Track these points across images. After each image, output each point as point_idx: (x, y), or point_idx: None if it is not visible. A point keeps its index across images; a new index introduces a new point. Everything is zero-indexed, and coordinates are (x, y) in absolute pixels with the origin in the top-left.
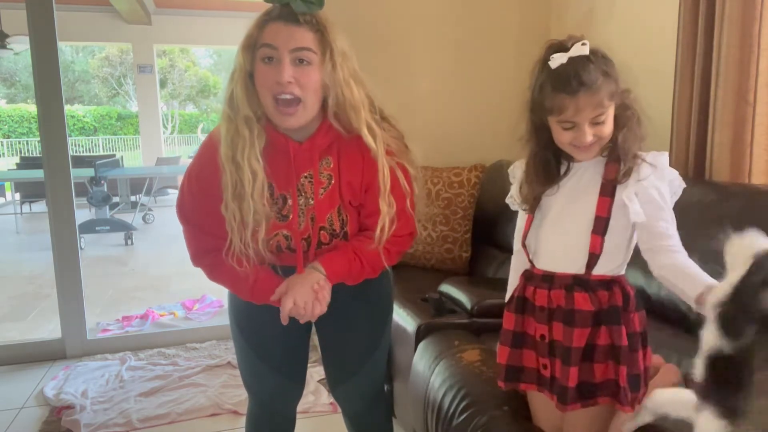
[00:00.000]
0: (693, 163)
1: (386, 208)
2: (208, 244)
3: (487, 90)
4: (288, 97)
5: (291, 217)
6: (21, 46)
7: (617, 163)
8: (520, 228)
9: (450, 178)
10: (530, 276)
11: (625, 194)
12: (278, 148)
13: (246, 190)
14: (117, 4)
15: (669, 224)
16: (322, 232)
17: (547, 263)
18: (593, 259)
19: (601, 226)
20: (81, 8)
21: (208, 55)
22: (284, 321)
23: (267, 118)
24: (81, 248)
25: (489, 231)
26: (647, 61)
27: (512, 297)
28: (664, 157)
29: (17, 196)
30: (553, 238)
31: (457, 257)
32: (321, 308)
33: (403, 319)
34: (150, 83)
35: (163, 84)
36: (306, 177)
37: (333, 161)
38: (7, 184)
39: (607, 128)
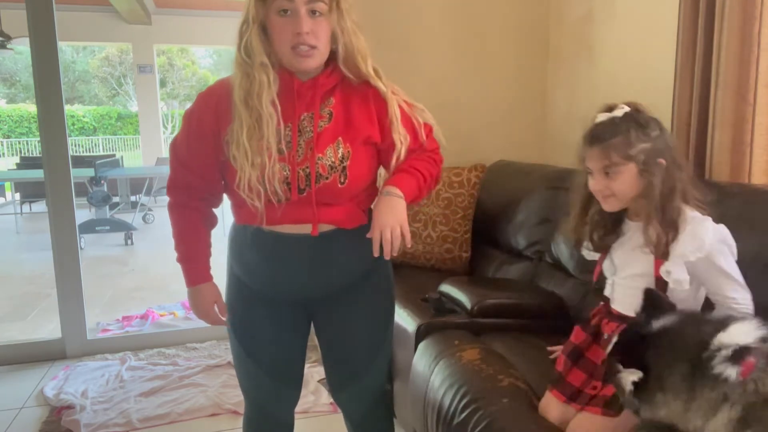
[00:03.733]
0: (693, 163)
1: (399, 138)
2: (187, 180)
3: (486, 90)
4: (305, 48)
5: (289, 150)
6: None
7: (654, 227)
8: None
9: (450, 178)
10: (608, 312)
11: (664, 267)
12: (284, 86)
13: (264, 132)
14: (117, 4)
15: (723, 283)
16: (320, 162)
17: (621, 308)
18: None
19: (661, 286)
20: (81, 8)
21: (208, 55)
22: (375, 253)
23: (279, 65)
24: (81, 248)
25: (489, 231)
26: (647, 61)
27: (590, 320)
28: (704, 226)
29: (17, 196)
30: (623, 290)
31: (457, 257)
32: (407, 239)
33: (403, 319)
34: (150, 83)
35: (162, 84)
36: (307, 116)
37: (335, 101)
38: (7, 184)
39: (620, 185)
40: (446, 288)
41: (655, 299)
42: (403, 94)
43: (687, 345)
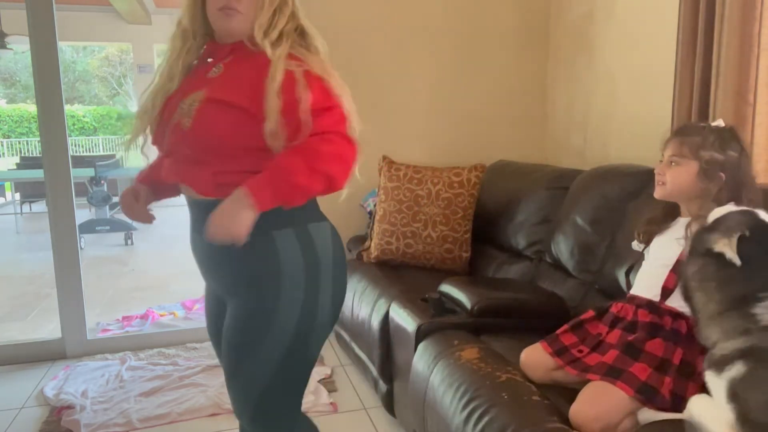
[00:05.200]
0: None
1: (273, 106)
2: None
3: (487, 90)
4: (231, 11)
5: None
6: (21, 46)
7: (699, 223)
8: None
9: (450, 178)
10: (627, 298)
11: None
12: (204, 54)
13: (168, 88)
14: (117, 4)
15: None
16: (182, 105)
17: (638, 291)
18: (666, 292)
19: (678, 268)
20: (81, 8)
21: None
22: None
23: (211, 36)
24: (81, 248)
25: (489, 231)
26: (647, 61)
27: (606, 307)
28: None
29: (17, 196)
30: (646, 276)
31: (457, 257)
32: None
33: (403, 319)
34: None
35: None
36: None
37: (230, 60)
38: (7, 184)
39: (674, 176)
40: (446, 288)
41: None
42: (317, 66)
43: (759, 279)
